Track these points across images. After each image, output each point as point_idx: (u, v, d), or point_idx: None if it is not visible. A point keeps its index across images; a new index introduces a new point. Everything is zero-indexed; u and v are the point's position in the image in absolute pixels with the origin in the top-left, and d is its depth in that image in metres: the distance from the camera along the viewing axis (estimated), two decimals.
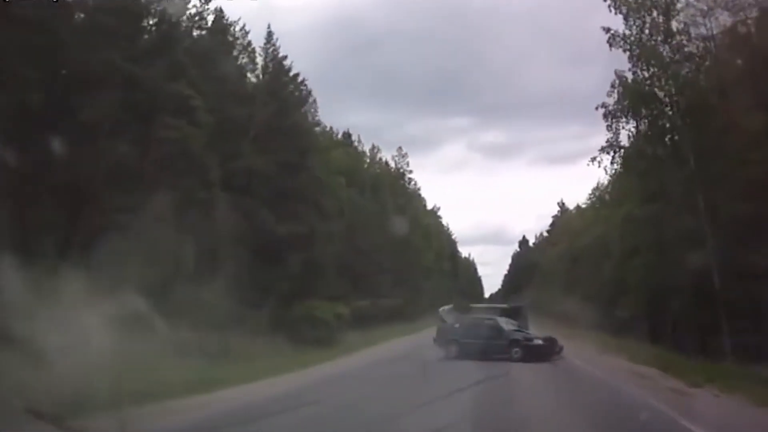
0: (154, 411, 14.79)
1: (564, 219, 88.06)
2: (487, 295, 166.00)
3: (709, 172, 26.35)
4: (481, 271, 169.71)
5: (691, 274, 27.38)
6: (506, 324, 34.73)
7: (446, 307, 41.62)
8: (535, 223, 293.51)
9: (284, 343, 34.78)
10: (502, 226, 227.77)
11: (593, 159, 28.82)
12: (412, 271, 66.70)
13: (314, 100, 55.85)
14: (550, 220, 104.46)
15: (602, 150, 28.69)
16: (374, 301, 47.78)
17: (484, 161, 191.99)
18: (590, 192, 64.79)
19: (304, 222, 39.96)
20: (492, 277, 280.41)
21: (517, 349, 32.10)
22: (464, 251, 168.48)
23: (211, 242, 32.31)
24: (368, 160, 72.73)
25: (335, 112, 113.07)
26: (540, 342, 33.30)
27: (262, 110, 42.12)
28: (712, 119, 26.49)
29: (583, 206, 72.08)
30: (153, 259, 25.50)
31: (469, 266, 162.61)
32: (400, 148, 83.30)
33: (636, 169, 30.03)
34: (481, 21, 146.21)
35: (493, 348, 31.68)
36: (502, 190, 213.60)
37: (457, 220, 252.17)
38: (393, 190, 71.53)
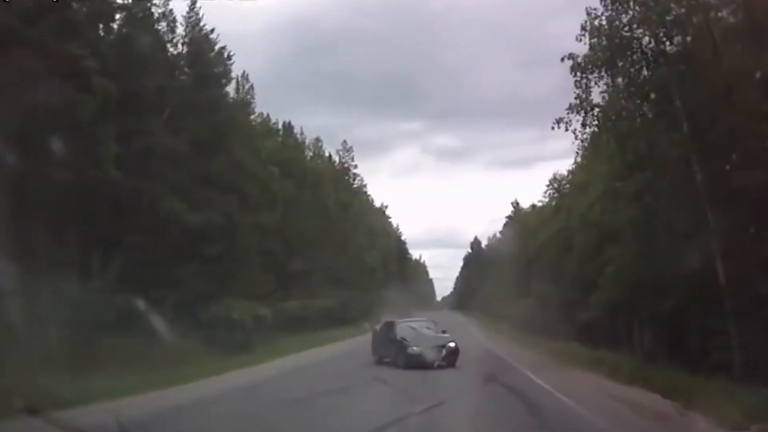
0: None
1: (518, 218, 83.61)
2: (439, 298, 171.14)
3: (707, 134, 20.28)
4: (434, 274, 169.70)
5: (687, 266, 21.11)
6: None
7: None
8: (489, 226, 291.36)
9: (194, 347, 30.05)
10: (455, 230, 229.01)
11: (559, 121, 23.13)
12: (353, 270, 61.95)
13: (251, 87, 52.47)
14: (504, 222, 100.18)
15: (571, 109, 23.16)
16: (306, 302, 42.93)
17: (437, 165, 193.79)
18: (547, 184, 58.91)
19: (222, 211, 35.01)
20: (444, 281, 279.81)
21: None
22: (417, 254, 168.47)
23: (99, 229, 27.44)
24: (311, 154, 68.16)
25: (287, 114, 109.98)
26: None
27: (178, 84, 37.33)
28: (710, 69, 20.66)
29: (539, 204, 66.64)
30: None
31: (419, 269, 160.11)
32: (344, 142, 79.06)
33: (615, 131, 23.20)
34: (435, 24, 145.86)
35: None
36: (456, 194, 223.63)
37: (409, 224, 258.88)
38: (336, 185, 66.89)
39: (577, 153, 36.21)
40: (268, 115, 56.21)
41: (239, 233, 36.97)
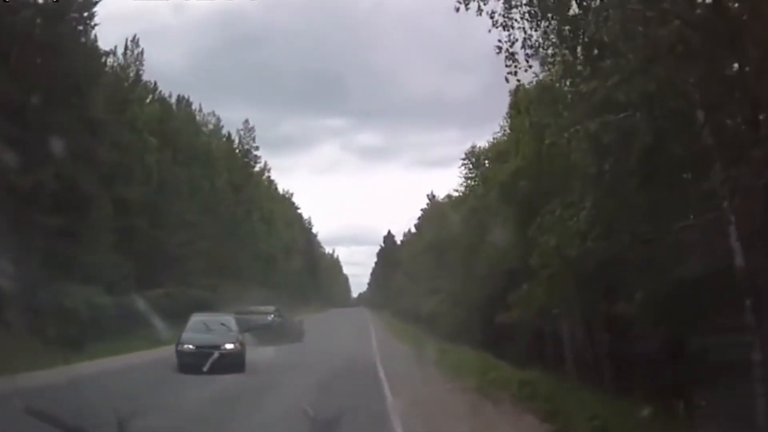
0: None
1: (433, 209, 78.11)
2: (355, 294, 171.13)
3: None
4: (351, 270, 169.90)
5: (683, 235, 14.87)
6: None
7: None
8: (407, 223, 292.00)
9: (20, 340, 24.33)
10: (374, 227, 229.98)
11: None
12: (241, 258, 55.28)
13: (141, 53, 46.87)
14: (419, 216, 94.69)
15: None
16: (171, 291, 36.30)
17: (359, 163, 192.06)
18: (463, 158, 49.20)
19: (64, 175, 28.50)
20: (361, 277, 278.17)
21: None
22: (335, 251, 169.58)
23: None
24: (206, 131, 61.60)
25: (210, 107, 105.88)
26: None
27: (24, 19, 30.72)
28: None
29: (456, 194, 58.59)
30: None
31: (332, 264, 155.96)
32: (246, 121, 71.80)
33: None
34: (361, 23, 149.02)
35: None
36: (377, 192, 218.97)
37: (328, 220, 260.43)
38: (228, 165, 60.26)
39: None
40: (155, 83, 49.58)
41: (88, 205, 30.45)
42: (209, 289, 42.38)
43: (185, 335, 24.22)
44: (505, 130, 34.38)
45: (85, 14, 34.80)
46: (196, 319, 25.83)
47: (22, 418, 7.38)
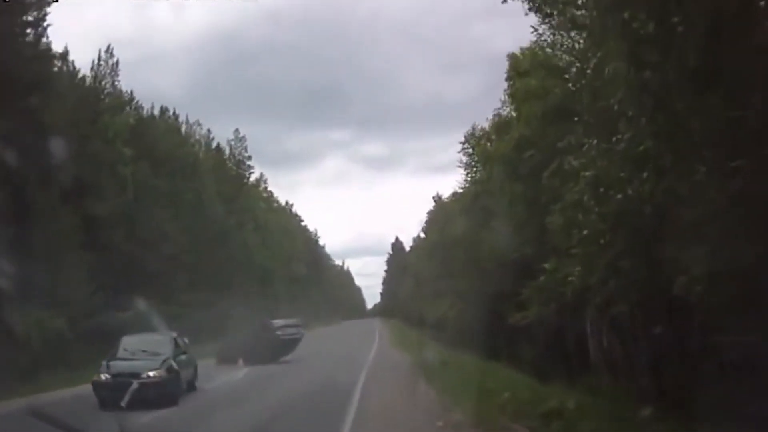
0: None
1: (438, 210, 74.55)
2: (370, 305, 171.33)
3: None
4: (364, 282, 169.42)
5: None
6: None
7: None
8: (416, 230, 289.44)
9: None
10: (384, 237, 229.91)
11: None
12: (232, 272, 51.54)
13: (116, 63, 43.63)
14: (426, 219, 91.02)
15: None
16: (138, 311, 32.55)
17: (365, 173, 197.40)
18: (462, 141, 41.64)
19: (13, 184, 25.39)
20: (374, 288, 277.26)
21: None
22: (345, 262, 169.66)
23: None
24: (193, 141, 58.46)
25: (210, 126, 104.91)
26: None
27: None
28: None
29: (461, 190, 53.20)
30: None
31: (343, 277, 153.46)
32: (236, 130, 68.36)
33: None
34: (356, 32, 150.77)
35: None
36: (385, 201, 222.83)
37: (338, 233, 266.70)
38: (217, 176, 56.86)
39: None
40: (131, 92, 46.33)
41: (42, 216, 27.29)
42: (197, 305, 39.02)
43: (105, 362, 19.34)
44: (504, 103, 30.03)
45: (37, 14, 32.01)
46: (127, 340, 20.85)
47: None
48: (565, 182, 15.36)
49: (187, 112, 61.99)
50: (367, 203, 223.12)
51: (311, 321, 76.11)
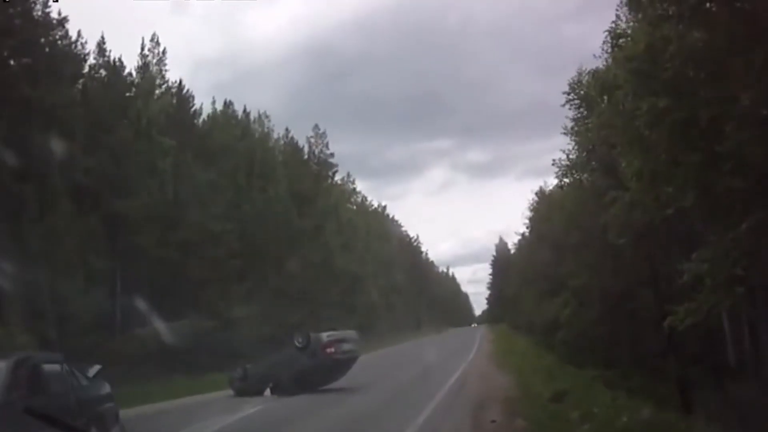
0: None
1: (542, 202, 66.77)
2: (478, 312, 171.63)
3: None
4: (474, 289, 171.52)
5: None
6: None
7: None
8: (518, 228, 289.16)
9: None
10: (492, 244, 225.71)
11: None
12: (313, 279, 44.47)
13: (164, 51, 40.82)
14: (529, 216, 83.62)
15: None
16: (190, 323, 26.36)
17: (470, 180, 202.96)
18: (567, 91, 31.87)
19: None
20: (484, 295, 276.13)
21: None
22: (449, 269, 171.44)
23: None
24: (256, 136, 52.51)
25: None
26: None
27: None
28: None
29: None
30: None
31: (449, 284, 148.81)
32: (316, 126, 62.22)
33: None
34: (449, 41, 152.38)
35: None
36: (491, 207, 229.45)
37: (445, 241, 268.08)
38: (291, 174, 50.50)
39: None
40: (180, 81, 40.69)
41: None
42: (251, 320, 32.46)
43: None
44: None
45: None
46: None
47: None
48: None
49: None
50: (474, 210, 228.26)
51: (406, 332, 70.55)
